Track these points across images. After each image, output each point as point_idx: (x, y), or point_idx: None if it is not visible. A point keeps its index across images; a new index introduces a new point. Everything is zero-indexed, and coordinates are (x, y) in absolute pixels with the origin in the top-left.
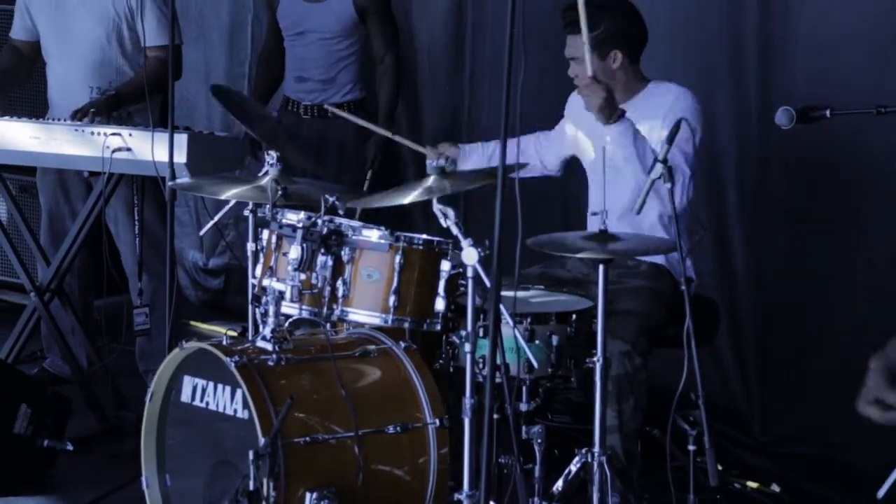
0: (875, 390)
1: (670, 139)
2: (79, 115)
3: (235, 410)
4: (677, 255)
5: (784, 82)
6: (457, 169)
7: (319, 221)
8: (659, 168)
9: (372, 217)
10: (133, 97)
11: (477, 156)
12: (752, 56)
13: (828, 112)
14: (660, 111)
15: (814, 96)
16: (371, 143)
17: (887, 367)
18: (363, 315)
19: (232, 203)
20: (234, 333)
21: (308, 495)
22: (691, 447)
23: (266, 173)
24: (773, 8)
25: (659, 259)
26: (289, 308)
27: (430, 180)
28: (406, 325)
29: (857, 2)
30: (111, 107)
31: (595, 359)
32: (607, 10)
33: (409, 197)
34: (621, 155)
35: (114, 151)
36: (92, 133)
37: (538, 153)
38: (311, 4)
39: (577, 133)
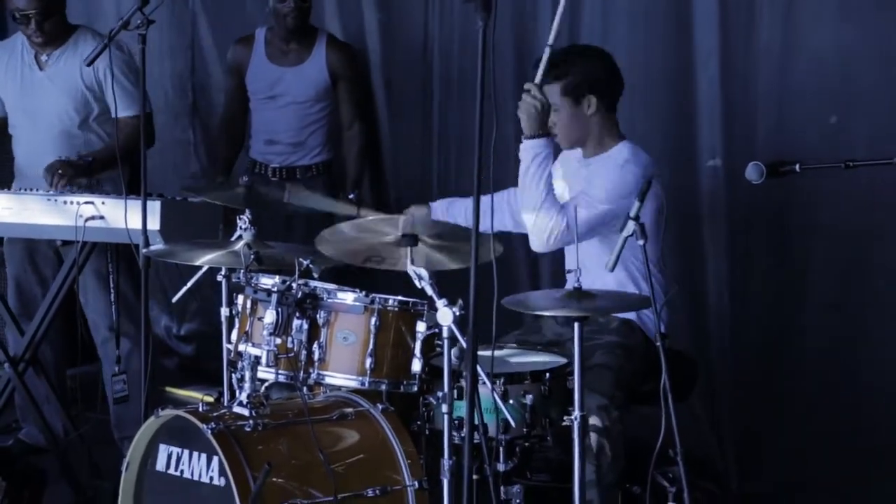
0: None
1: (641, 197)
2: (50, 171)
3: (212, 478)
4: (649, 311)
5: (746, 137)
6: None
7: (294, 285)
8: (631, 225)
9: (345, 279)
10: (107, 164)
11: (461, 214)
12: (716, 110)
13: (797, 167)
14: (605, 172)
15: (776, 151)
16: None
17: None
18: (340, 378)
19: (205, 269)
20: (211, 399)
21: None
22: (671, 503)
23: (239, 238)
24: (732, 64)
25: (630, 315)
26: (265, 373)
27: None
28: (383, 387)
29: (814, 56)
30: (83, 171)
31: (572, 416)
32: (578, 56)
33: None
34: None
35: (87, 220)
36: (64, 202)
37: (510, 209)
38: (285, 68)
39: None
